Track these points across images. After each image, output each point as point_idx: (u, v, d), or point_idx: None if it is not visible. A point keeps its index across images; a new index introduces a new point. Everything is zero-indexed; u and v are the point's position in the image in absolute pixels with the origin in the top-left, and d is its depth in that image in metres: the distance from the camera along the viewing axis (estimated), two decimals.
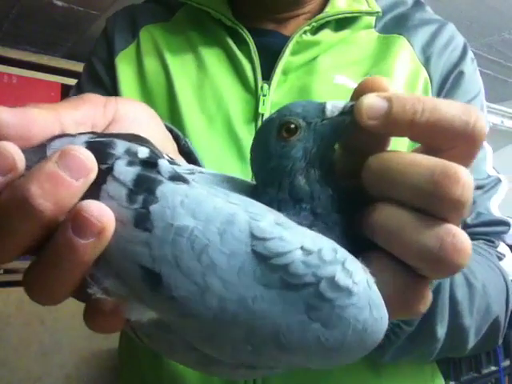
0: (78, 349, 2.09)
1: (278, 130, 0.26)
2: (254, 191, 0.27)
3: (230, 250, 0.22)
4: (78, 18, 2.05)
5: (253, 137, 0.29)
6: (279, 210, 0.25)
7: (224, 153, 0.52)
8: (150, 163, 0.25)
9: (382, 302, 0.23)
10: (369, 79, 0.26)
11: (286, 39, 0.55)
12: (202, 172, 0.28)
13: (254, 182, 0.29)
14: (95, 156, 0.24)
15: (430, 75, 0.55)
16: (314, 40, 0.55)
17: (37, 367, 2.04)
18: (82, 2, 1.92)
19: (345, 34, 0.57)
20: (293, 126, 0.26)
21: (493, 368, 2.58)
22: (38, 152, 0.25)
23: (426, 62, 0.56)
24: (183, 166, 0.28)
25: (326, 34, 0.56)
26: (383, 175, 0.24)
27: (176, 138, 0.35)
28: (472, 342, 0.46)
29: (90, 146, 0.25)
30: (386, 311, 0.23)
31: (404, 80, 0.55)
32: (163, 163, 0.25)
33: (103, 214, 0.23)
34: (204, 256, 0.22)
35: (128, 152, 0.25)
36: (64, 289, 0.25)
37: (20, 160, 0.23)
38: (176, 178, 0.25)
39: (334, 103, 0.26)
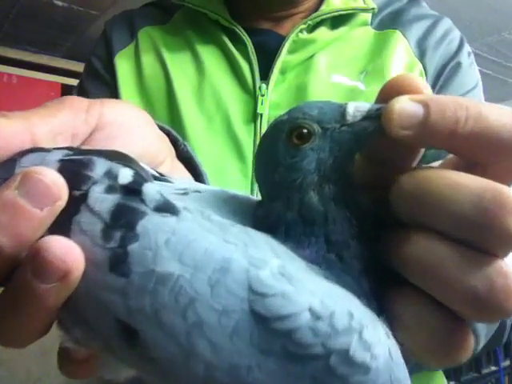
0: None
1: (287, 136, 0.22)
2: (258, 207, 0.24)
3: (222, 305, 0.19)
4: (77, 18, 2.05)
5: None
6: (287, 234, 0.22)
7: (223, 153, 0.52)
8: (133, 190, 0.21)
9: (407, 373, 0.20)
10: (398, 77, 0.22)
11: (282, 38, 0.55)
12: (197, 191, 0.24)
13: (259, 198, 0.25)
14: (68, 179, 0.20)
15: (425, 69, 0.55)
16: (311, 38, 0.55)
17: (37, 367, 2.04)
18: (82, 2, 1.93)
19: (341, 31, 0.57)
20: (305, 131, 0.22)
21: (493, 368, 2.59)
22: (4, 169, 0.22)
23: (421, 56, 0.56)
24: (176, 185, 0.24)
25: (323, 32, 0.56)
26: (419, 199, 0.20)
27: (174, 142, 0.34)
28: (482, 344, 0.45)
29: (64, 165, 0.22)
30: (409, 383, 0.20)
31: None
32: (149, 190, 0.21)
33: (69, 253, 0.19)
34: (190, 312, 0.19)
35: (108, 174, 0.22)
36: (28, 333, 0.21)
37: None
38: (163, 208, 0.21)
39: (357, 106, 0.22)
